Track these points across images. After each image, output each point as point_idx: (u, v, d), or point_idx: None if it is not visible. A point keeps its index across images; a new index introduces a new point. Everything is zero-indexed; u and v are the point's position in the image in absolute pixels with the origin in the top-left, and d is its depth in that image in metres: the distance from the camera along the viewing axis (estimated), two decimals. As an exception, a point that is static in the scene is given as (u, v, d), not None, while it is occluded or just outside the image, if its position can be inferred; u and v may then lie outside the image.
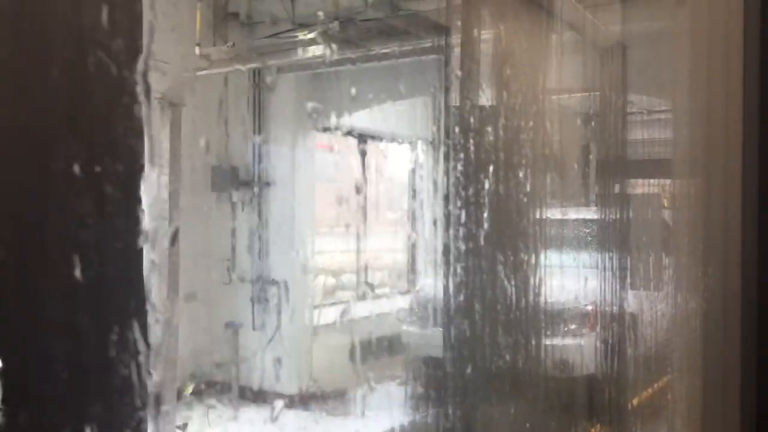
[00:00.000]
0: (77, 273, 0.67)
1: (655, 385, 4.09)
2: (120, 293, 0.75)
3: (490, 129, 3.73)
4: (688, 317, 1.34)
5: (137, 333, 0.82)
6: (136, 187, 0.87)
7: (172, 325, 5.20)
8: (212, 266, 6.39)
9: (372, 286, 8.20)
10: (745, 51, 0.80)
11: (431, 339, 5.96)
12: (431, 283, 7.67)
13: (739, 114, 0.78)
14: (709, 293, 1.07)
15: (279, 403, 5.58)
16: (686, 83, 1.60)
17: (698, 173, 1.06)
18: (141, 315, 0.85)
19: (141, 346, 0.82)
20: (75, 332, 0.67)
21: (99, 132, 0.66)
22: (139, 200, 0.87)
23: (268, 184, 6.64)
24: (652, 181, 4.01)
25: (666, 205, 3.23)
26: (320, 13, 5.60)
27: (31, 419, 0.59)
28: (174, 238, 4.95)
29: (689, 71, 1.42)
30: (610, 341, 4.15)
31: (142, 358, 0.84)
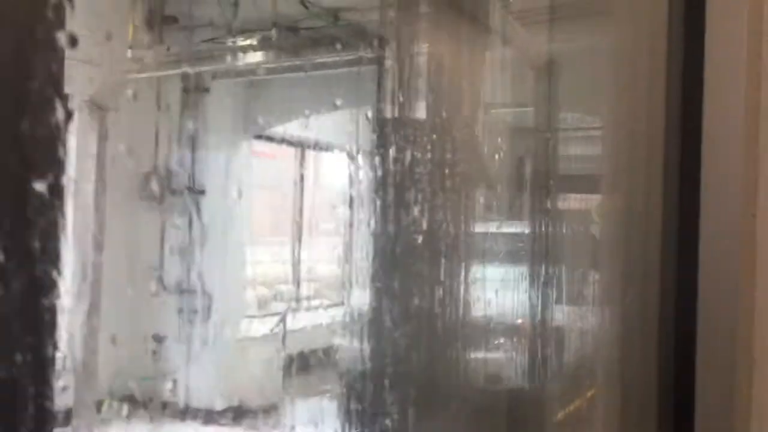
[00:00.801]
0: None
1: (577, 400, 4.14)
2: (33, 302, 0.68)
3: (424, 142, 3.73)
4: (609, 333, 1.35)
5: (49, 346, 0.74)
6: (58, 194, 0.81)
7: (93, 338, 4.99)
8: (140, 276, 6.18)
9: (306, 298, 8.10)
10: (668, 67, 0.80)
11: (361, 352, 5.91)
12: (362, 296, 7.63)
13: (661, 129, 0.78)
14: (629, 309, 1.07)
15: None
16: (612, 99, 1.61)
17: (621, 189, 1.06)
18: (52, 327, 0.78)
19: (53, 360, 0.75)
20: None
21: (15, 136, 0.59)
22: (60, 206, 0.81)
23: (200, 192, 6.48)
24: (581, 196, 4.09)
25: (595, 220, 3.28)
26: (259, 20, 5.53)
27: None
28: (97, 246, 4.76)
29: (614, 87, 1.42)
30: (537, 355, 4.19)
31: (55, 373, 0.76)
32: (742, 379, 0.76)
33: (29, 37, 0.55)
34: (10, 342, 0.60)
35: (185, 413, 5.92)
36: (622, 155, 1.17)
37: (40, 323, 0.67)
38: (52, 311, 0.72)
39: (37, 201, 0.63)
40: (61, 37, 0.59)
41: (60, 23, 0.60)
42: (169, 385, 5.97)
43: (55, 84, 0.63)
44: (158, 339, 6.00)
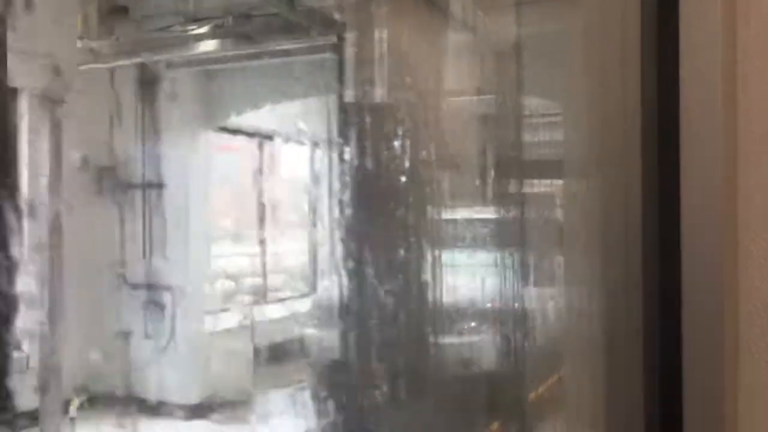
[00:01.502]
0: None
1: (550, 381, 4.20)
2: None
3: (385, 129, 3.71)
4: (588, 313, 1.35)
5: (7, 346, 0.70)
6: (10, 191, 0.76)
7: (55, 336, 4.86)
8: (101, 272, 6.04)
9: (271, 290, 8.04)
10: (642, 49, 0.79)
11: (332, 341, 5.90)
12: (330, 285, 7.61)
13: (637, 113, 0.77)
14: (610, 289, 1.07)
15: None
16: (581, 84, 1.60)
17: (594, 173, 1.05)
18: (9, 326, 0.73)
19: (14, 359, 0.70)
20: None
21: None
22: (13, 204, 0.76)
23: (159, 185, 6.35)
24: (547, 181, 4.12)
25: (560, 204, 3.31)
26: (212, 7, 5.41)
27: None
28: (55, 243, 4.63)
29: (584, 72, 1.41)
30: (509, 338, 4.23)
31: (14, 372, 0.72)
32: (729, 362, 0.76)
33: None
34: None
35: (156, 409, 5.84)
36: (595, 141, 1.16)
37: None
38: (10, 309, 0.68)
39: None
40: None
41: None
42: (137, 380, 5.88)
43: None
44: (124, 335, 5.90)
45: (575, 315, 1.60)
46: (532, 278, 4.19)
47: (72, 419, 5.01)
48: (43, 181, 4.83)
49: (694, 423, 0.81)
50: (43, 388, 4.78)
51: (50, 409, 4.84)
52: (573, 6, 1.37)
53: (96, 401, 5.61)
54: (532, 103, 4.35)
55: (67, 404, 5.15)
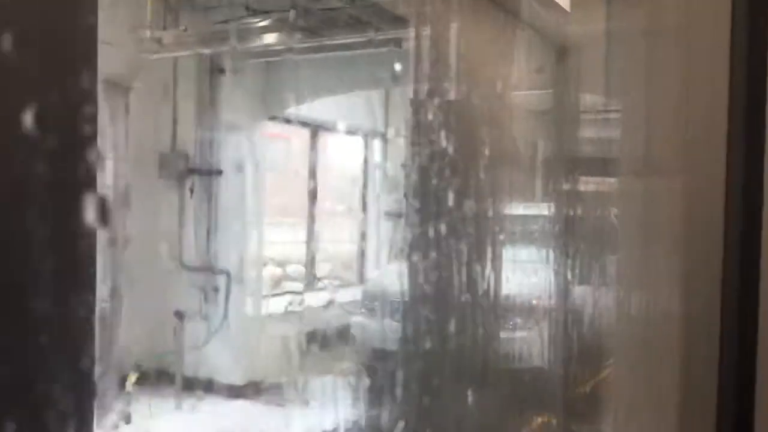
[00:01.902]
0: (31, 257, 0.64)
1: (598, 378, 4.21)
2: (67, 278, 0.72)
3: (446, 123, 3.76)
4: (661, 314, 1.39)
5: (82, 320, 0.79)
6: (92, 173, 0.85)
7: (115, 314, 5.07)
8: (159, 254, 6.26)
9: (319, 278, 8.17)
10: (732, 46, 0.82)
11: (380, 331, 5.99)
12: (381, 275, 7.70)
13: (724, 112, 0.81)
14: (687, 292, 1.10)
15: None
16: (656, 81, 1.63)
17: (678, 172, 1.09)
18: (87, 302, 0.83)
19: (85, 333, 0.79)
20: (24, 317, 0.64)
21: (51, 117, 0.63)
22: (93, 186, 0.85)
23: (218, 171, 6.53)
24: (602, 179, 4.11)
25: (618, 203, 3.31)
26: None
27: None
28: (120, 224, 4.82)
29: (664, 69, 1.45)
30: (559, 334, 4.25)
31: (86, 346, 0.81)
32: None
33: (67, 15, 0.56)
34: (54, 317, 0.64)
35: (205, 387, 6.02)
36: (672, 139, 1.20)
37: (78, 299, 0.71)
38: (87, 287, 0.77)
39: (74, 179, 0.68)
40: (93, 17, 0.60)
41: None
42: (190, 360, 6.07)
43: (89, 63, 0.66)
44: (179, 316, 6.10)
45: (656, 313, 1.63)
46: (584, 276, 4.19)
47: (128, 394, 5.22)
48: (110, 165, 5.04)
49: (765, 422, 0.84)
50: (101, 364, 5.00)
51: (108, 384, 5.05)
52: (659, 4, 1.40)
53: (150, 378, 5.82)
54: (589, 100, 4.35)
55: (123, 380, 5.36)
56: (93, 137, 0.76)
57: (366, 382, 6.43)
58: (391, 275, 6.54)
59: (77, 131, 0.72)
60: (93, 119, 0.76)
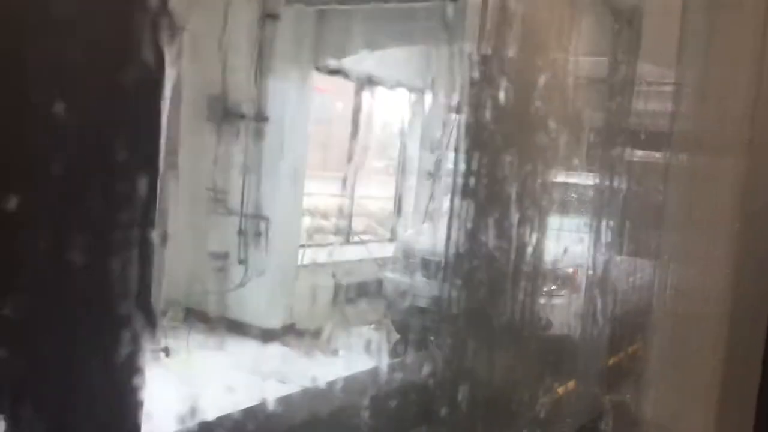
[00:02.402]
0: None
1: (631, 348, 4.22)
2: (133, 211, 0.76)
3: (496, 85, 3.72)
4: (709, 287, 1.39)
5: (143, 253, 0.84)
6: (157, 116, 0.89)
7: (161, 250, 5.20)
8: (202, 196, 6.37)
9: (355, 232, 8.25)
10: None
11: (413, 287, 6.05)
12: (415, 234, 7.74)
13: None
14: (739, 266, 1.11)
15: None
16: (720, 55, 1.61)
17: (740, 153, 1.09)
18: (147, 236, 0.87)
19: (144, 265, 0.84)
20: (93, 240, 0.68)
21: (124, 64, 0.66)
22: (157, 130, 0.89)
23: (264, 119, 6.58)
24: (653, 153, 4.06)
25: (671, 178, 3.28)
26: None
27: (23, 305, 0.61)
28: (171, 163, 4.92)
29: (734, 43, 1.43)
30: (595, 303, 4.26)
31: (144, 277, 0.86)
32: None
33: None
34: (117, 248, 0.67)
35: (240, 328, 6.19)
36: (736, 116, 1.19)
37: (142, 232, 0.74)
38: (149, 221, 0.80)
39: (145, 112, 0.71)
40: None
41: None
42: (227, 301, 6.24)
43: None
44: (220, 256, 6.23)
45: (703, 293, 1.64)
46: (628, 246, 4.18)
47: (170, 329, 5.39)
48: (164, 105, 5.10)
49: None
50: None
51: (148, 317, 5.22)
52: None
53: (189, 315, 6.00)
54: (649, 71, 4.26)
55: (164, 312, 5.53)
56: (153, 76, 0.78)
57: (393, 334, 6.54)
58: (424, 235, 6.58)
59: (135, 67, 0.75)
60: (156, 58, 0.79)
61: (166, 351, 5.09)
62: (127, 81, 0.69)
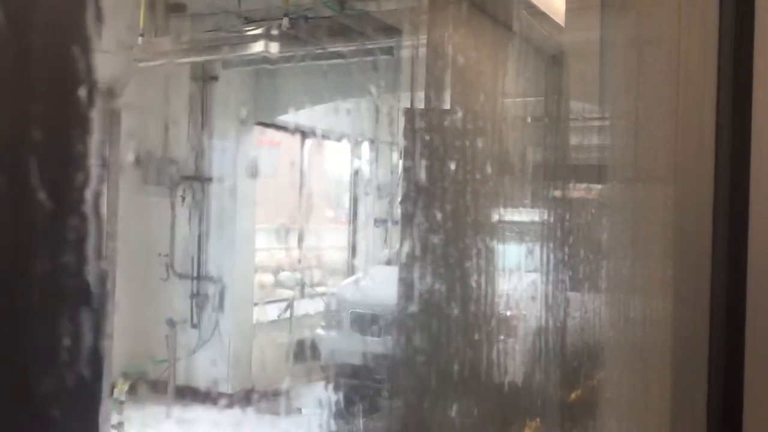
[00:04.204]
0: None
1: (588, 385, 4.22)
2: (67, 284, 0.74)
3: (438, 131, 3.78)
4: (658, 318, 1.41)
5: (84, 326, 0.80)
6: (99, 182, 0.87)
7: (106, 320, 5.05)
8: (150, 262, 6.24)
9: (309, 285, 8.15)
10: (719, 56, 0.85)
11: (349, 344, 5.86)
12: (352, 284, 7.56)
13: (712, 120, 0.84)
14: (677, 297, 1.12)
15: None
16: (644, 90, 1.66)
17: (668, 181, 1.12)
18: (86, 308, 0.84)
19: (83, 341, 0.80)
20: (20, 323, 0.66)
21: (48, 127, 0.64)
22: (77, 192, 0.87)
23: (208, 179, 6.54)
24: (587, 185, 4.16)
25: (607, 210, 3.36)
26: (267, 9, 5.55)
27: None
28: (111, 231, 4.81)
29: (654, 78, 1.48)
30: (548, 342, 4.27)
31: (81, 353, 0.82)
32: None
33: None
34: (51, 324, 0.65)
35: (197, 396, 6.01)
36: (661, 147, 1.23)
37: (78, 305, 0.72)
38: (85, 294, 0.78)
39: (70, 188, 0.69)
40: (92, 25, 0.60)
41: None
42: (181, 368, 6.06)
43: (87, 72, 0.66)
44: (171, 323, 6.08)
45: (646, 320, 1.66)
46: (574, 283, 4.22)
47: (121, 402, 5.19)
48: (100, 172, 5.03)
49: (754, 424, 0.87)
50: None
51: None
52: (652, 15, 1.43)
53: (142, 386, 5.80)
54: (577, 108, 4.39)
55: (112, 387, 5.33)
56: (85, 144, 0.77)
57: (347, 391, 6.40)
58: (362, 285, 6.50)
59: (69, 139, 0.73)
60: (86, 127, 0.77)
61: (119, 426, 4.90)
62: (57, 150, 0.66)
